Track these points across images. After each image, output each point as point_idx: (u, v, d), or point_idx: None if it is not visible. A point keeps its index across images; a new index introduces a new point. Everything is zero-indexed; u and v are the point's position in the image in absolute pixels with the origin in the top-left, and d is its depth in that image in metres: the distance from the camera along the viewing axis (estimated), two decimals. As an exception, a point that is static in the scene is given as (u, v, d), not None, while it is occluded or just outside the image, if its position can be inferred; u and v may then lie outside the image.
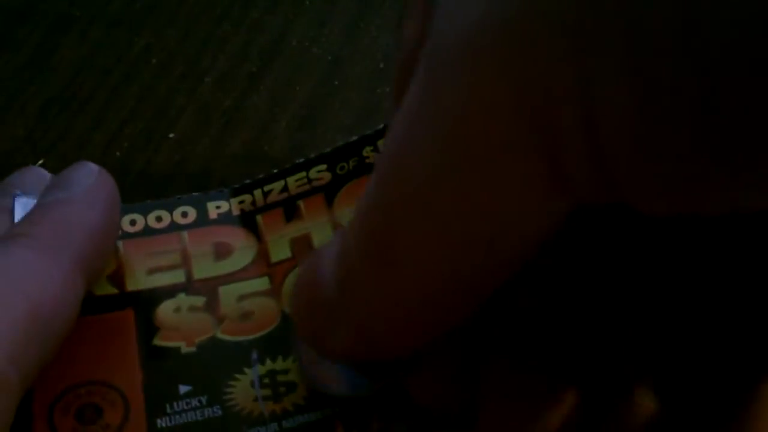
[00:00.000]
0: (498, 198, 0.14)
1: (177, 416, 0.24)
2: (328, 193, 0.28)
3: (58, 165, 0.33)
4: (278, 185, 0.28)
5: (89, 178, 0.25)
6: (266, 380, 0.24)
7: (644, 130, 0.12)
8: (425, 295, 0.17)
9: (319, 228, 0.27)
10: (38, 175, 0.27)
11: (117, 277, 0.26)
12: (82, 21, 0.40)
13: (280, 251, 0.27)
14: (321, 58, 0.37)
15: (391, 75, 0.36)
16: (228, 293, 0.26)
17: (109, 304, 0.26)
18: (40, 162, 0.34)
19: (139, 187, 0.33)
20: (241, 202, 0.28)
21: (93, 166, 0.26)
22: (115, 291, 0.26)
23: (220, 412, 0.24)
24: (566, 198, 0.14)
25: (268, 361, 0.25)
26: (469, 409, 0.18)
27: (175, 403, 0.24)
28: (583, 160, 0.13)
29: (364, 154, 0.28)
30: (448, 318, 0.17)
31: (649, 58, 0.12)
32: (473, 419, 0.18)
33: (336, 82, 0.36)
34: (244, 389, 0.24)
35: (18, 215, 0.25)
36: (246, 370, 0.25)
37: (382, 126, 0.29)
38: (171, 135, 0.35)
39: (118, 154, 0.34)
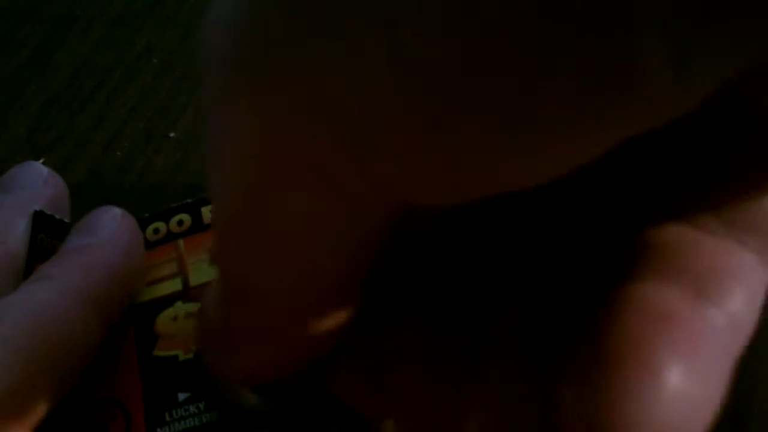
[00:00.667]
0: (298, 223, 0.14)
1: (176, 423, 0.24)
2: None
3: (58, 164, 0.33)
4: None
5: (113, 223, 0.26)
6: None
7: (377, 128, 0.12)
8: (283, 322, 0.17)
9: None
10: (37, 170, 0.27)
11: None
12: (82, 20, 0.40)
13: None
14: (322, 58, 0.37)
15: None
16: None
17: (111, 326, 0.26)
18: (41, 161, 0.33)
19: (140, 187, 0.33)
20: None
21: (116, 211, 0.26)
22: None
23: (217, 416, 0.24)
24: (370, 210, 0.14)
25: None
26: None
27: (174, 411, 0.24)
28: (356, 177, 0.13)
29: None
30: (322, 338, 0.17)
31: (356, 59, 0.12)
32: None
33: (337, 82, 0.36)
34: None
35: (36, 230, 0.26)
36: None
37: None
38: (171, 134, 0.35)
39: (118, 153, 0.34)
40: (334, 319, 0.17)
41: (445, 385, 0.17)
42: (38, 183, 0.27)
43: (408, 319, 0.17)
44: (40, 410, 0.21)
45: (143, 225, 0.28)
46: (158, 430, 0.24)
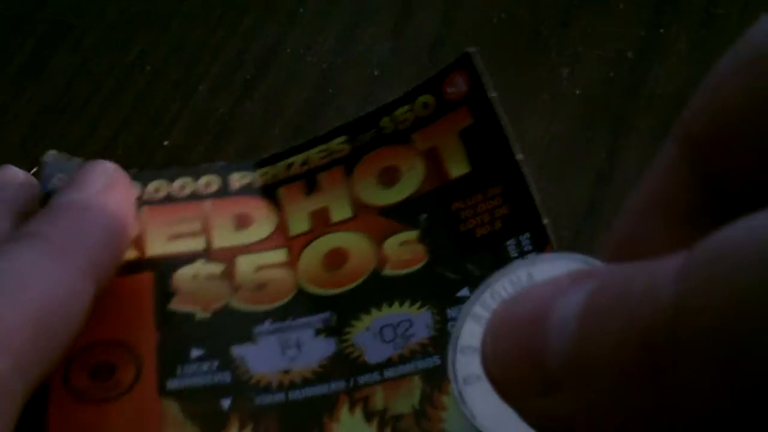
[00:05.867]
0: None
1: (187, 378, 0.24)
2: (348, 165, 0.28)
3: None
4: (300, 158, 0.28)
5: (105, 179, 0.25)
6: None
7: None
8: None
9: (338, 201, 0.27)
10: (13, 174, 0.27)
11: (138, 242, 0.26)
12: (76, 29, 0.40)
13: (299, 224, 0.27)
14: (315, 66, 0.37)
15: (385, 82, 0.36)
16: (245, 263, 0.26)
17: (128, 267, 0.25)
18: (34, 170, 0.34)
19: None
20: (264, 174, 0.28)
21: (109, 166, 0.26)
22: (135, 255, 0.26)
23: (229, 379, 0.24)
24: None
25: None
26: None
27: (186, 366, 0.24)
28: None
29: (381, 124, 0.28)
30: None
31: None
32: None
33: (330, 90, 0.36)
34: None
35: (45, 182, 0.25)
36: (258, 339, 0.25)
37: (402, 94, 0.28)
38: (165, 143, 0.35)
39: (112, 161, 0.34)
40: None
41: None
42: (14, 186, 0.27)
43: None
44: (30, 379, 0.21)
45: (171, 177, 0.27)
46: (168, 381, 0.24)
